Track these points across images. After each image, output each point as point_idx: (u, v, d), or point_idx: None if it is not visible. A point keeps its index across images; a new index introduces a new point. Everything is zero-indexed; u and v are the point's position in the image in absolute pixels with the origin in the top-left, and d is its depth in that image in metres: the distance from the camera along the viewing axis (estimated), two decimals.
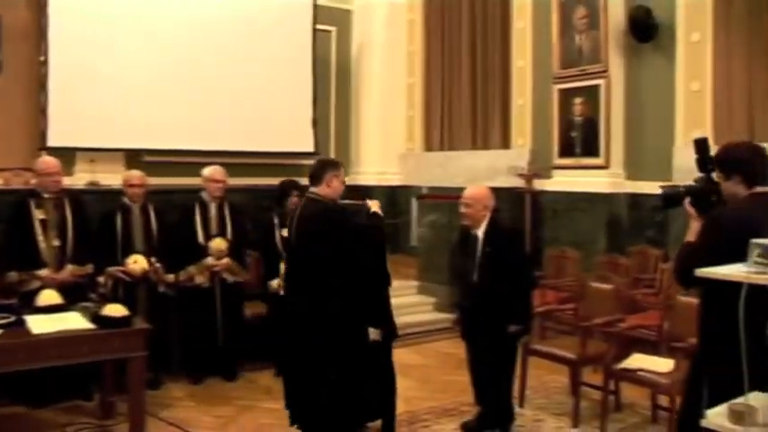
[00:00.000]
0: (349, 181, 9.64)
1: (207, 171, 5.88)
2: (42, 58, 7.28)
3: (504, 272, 4.35)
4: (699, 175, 3.15)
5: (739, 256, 2.65)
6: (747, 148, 3.09)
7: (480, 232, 4.43)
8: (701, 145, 3.12)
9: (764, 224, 2.78)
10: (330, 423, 4.10)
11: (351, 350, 4.09)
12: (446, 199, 7.94)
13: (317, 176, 4.19)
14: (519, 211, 7.61)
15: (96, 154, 7.49)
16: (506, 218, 7.41)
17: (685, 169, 6.38)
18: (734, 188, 2.97)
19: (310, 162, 8.58)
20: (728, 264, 2.68)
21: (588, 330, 5.02)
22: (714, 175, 3.06)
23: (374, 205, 4.32)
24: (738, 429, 2.35)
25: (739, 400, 2.45)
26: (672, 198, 3.23)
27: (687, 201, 3.15)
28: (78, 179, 7.36)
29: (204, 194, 5.87)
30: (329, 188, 4.17)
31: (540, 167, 7.72)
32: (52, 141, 7.25)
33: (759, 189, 2.93)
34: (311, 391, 4.12)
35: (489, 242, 4.39)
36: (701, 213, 3.07)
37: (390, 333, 4.35)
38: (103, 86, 7.49)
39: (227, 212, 5.88)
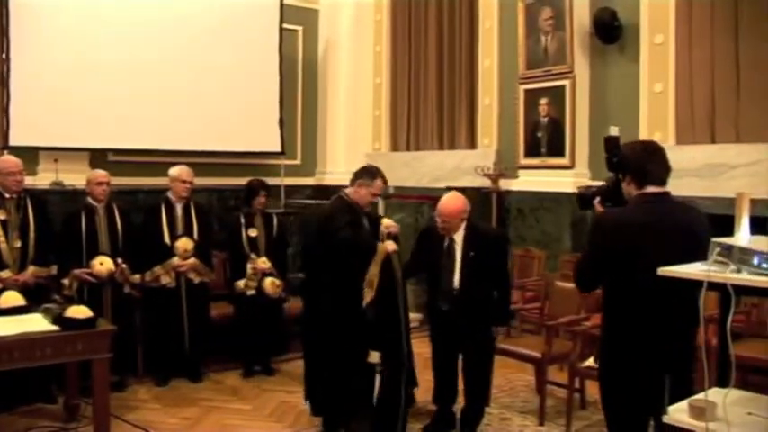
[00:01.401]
0: (315, 182, 9.91)
1: (174, 171, 5.85)
2: (4, 56, 7.19)
3: (486, 275, 4.41)
4: (610, 174, 3.14)
5: (621, 258, 2.73)
6: (640, 147, 3.08)
7: (459, 237, 4.46)
8: (610, 143, 3.12)
9: (646, 225, 2.81)
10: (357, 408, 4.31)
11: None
12: (413, 199, 7.99)
13: (353, 179, 4.55)
14: (485, 210, 7.62)
15: (60, 153, 7.39)
16: (484, 219, 7.43)
17: None
18: (627, 188, 2.98)
19: (277, 162, 8.82)
20: (610, 266, 2.77)
21: (553, 329, 5.04)
22: None
23: (388, 226, 4.42)
24: (699, 425, 2.40)
25: (699, 395, 2.51)
26: (584, 199, 3.21)
27: (597, 201, 3.14)
28: (42, 179, 7.28)
29: (170, 194, 5.85)
30: (356, 194, 4.50)
31: (505, 167, 7.74)
32: (14, 140, 7.16)
33: (649, 189, 2.92)
34: (339, 380, 4.33)
35: (472, 247, 4.42)
36: None
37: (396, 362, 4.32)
38: (67, 85, 7.40)
39: (193, 212, 5.85)
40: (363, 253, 4.29)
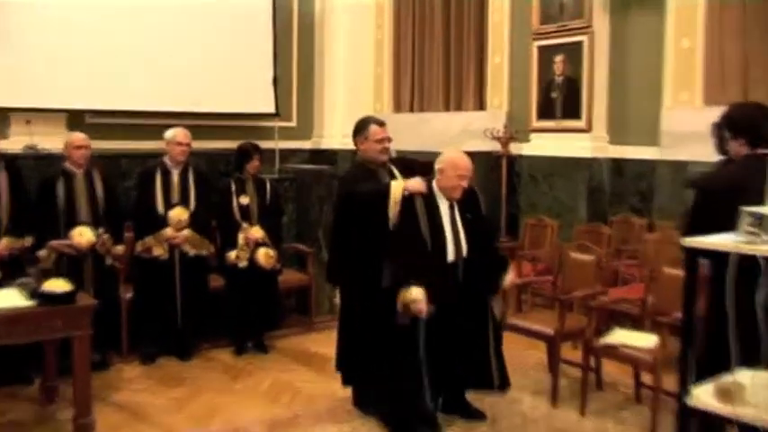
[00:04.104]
0: (312, 145, 9.87)
1: (169, 133, 5.79)
2: None
3: (482, 239, 4.34)
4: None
5: (731, 218, 2.69)
6: (755, 108, 3.22)
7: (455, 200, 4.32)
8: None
9: (751, 183, 2.88)
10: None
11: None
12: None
13: (354, 140, 4.62)
14: (494, 176, 7.64)
15: (34, 115, 7.34)
16: (493, 186, 7.45)
17: (674, 134, 6.51)
18: (738, 148, 3.10)
19: (271, 124, 8.78)
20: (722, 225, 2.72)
21: (567, 304, 5.03)
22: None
23: (409, 184, 4.28)
24: (725, 408, 2.37)
25: (726, 377, 2.47)
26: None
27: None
28: (14, 143, 7.23)
29: (166, 159, 5.79)
30: (363, 152, 4.56)
31: (517, 130, 7.75)
32: None
33: (760, 151, 3.03)
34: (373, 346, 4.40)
35: (467, 207, 4.33)
36: None
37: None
38: (42, 40, 7.30)
39: (191, 179, 5.80)
40: (372, 199, 4.27)
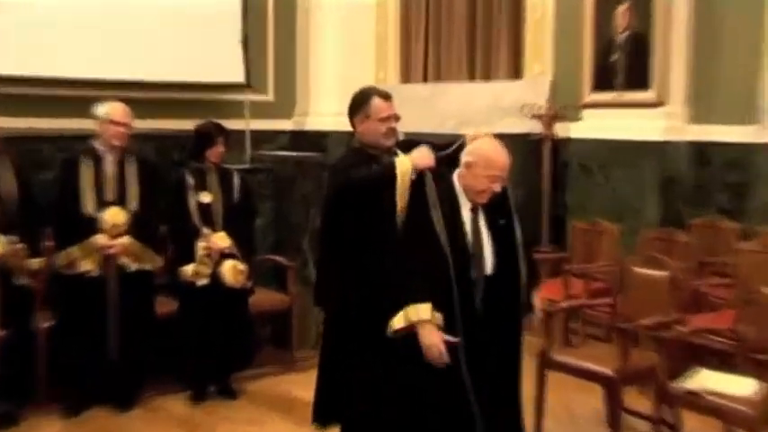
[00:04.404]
0: (293, 126, 9.94)
1: (103, 109, 5.77)
2: None
3: (514, 249, 4.31)
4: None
5: None
6: None
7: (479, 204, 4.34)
8: None
9: None
10: None
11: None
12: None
13: (350, 119, 4.63)
14: (533, 166, 7.64)
15: None
16: (532, 178, 7.56)
17: None
18: None
19: (239, 98, 8.86)
20: None
21: (631, 335, 5.05)
22: None
23: (415, 158, 4.30)
24: None
25: None
26: None
27: None
28: None
29: (97, 143, 5.80)
30: (363, 133, 4.56)
31: (564, 106, 7.73)
32: None
33: None
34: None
35: (495, 211, 4.28)
36: None
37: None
38: None
39: (131, 170, 5.82)
40: (374, 185, 4.28)
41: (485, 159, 4.14)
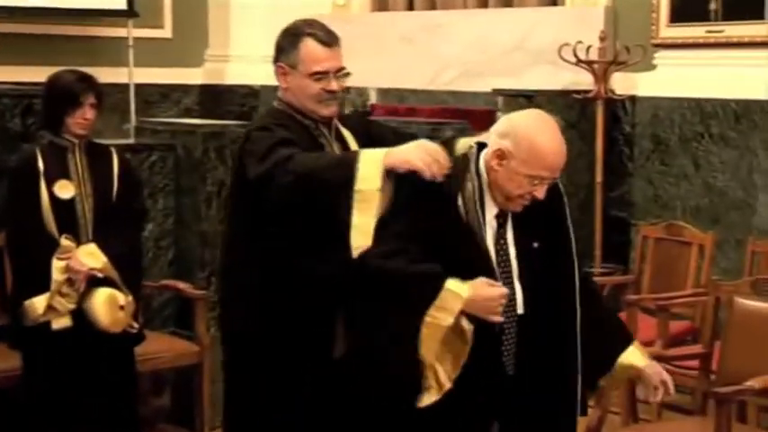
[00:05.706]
0: (204, 78, 10.34)
1: None
2: None
3: (562, 283, 4.31)
4: None
5: None
6: None
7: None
8: None
9: None
10: None
11: None
12: (420, 115, 8.01)
13: (274, 62, 4.69)
14: (579, 140, 7.65)
15: None
16: (580, 156, 7.69)
17: None
18: None
19: (120, 33, 9.09)
20: None
21: (734, 403, 5.03)
22: None
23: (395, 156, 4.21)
24: None
25: None
26: None
27: None
28: None
29: None
30: (289, 91, 4.61)
31: (628, 47, 7.75)
32: None
33: None
34: None
35: (530, 228, 4.25)
36: None
37: None
38: None
39: None
40: (325, 183, 4.23)
41: (529, 149, 4.01)
